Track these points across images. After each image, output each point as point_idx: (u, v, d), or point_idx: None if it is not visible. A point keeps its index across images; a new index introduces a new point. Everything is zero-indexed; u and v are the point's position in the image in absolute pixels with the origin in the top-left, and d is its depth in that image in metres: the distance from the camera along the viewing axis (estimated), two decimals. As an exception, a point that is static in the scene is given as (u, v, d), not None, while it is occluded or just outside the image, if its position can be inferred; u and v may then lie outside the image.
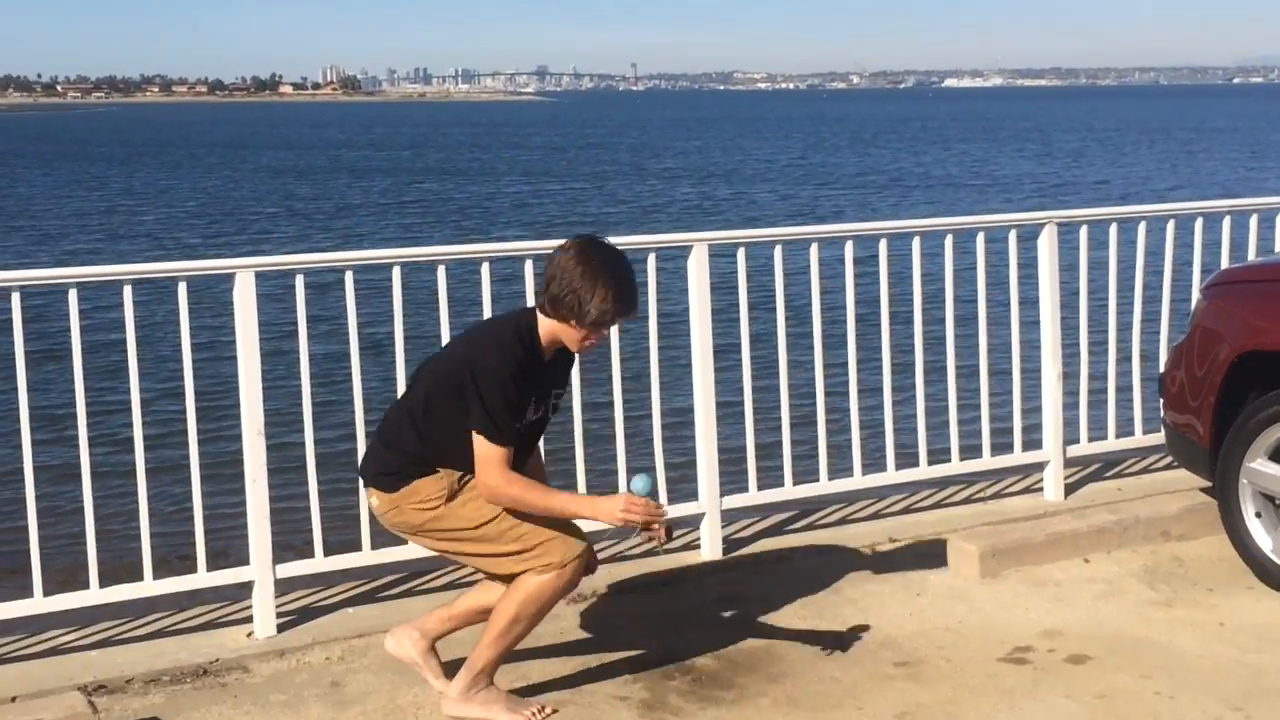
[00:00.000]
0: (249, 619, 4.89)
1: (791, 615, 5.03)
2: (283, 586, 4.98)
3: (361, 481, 4.29)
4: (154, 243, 27.48)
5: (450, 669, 4.25)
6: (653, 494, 4.01)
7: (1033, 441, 6.33)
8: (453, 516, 4.03)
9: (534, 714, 4.15)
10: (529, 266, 5.31)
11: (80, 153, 70.57)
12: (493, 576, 4.17)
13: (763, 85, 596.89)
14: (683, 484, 5.83)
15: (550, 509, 3.94)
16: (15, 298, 4.64)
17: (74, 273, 4.94)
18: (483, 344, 3.99)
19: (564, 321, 3.98)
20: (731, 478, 5.86)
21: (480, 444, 3.92)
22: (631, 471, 4.72)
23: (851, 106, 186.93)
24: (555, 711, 4.21)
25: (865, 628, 4.89)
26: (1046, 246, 6.25)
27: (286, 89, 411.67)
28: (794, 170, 49.51)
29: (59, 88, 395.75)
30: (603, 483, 5.63)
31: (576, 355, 4.28)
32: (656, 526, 3.96)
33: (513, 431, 3.96)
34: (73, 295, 4.73)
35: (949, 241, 6.13)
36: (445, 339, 5.09)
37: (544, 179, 46.66)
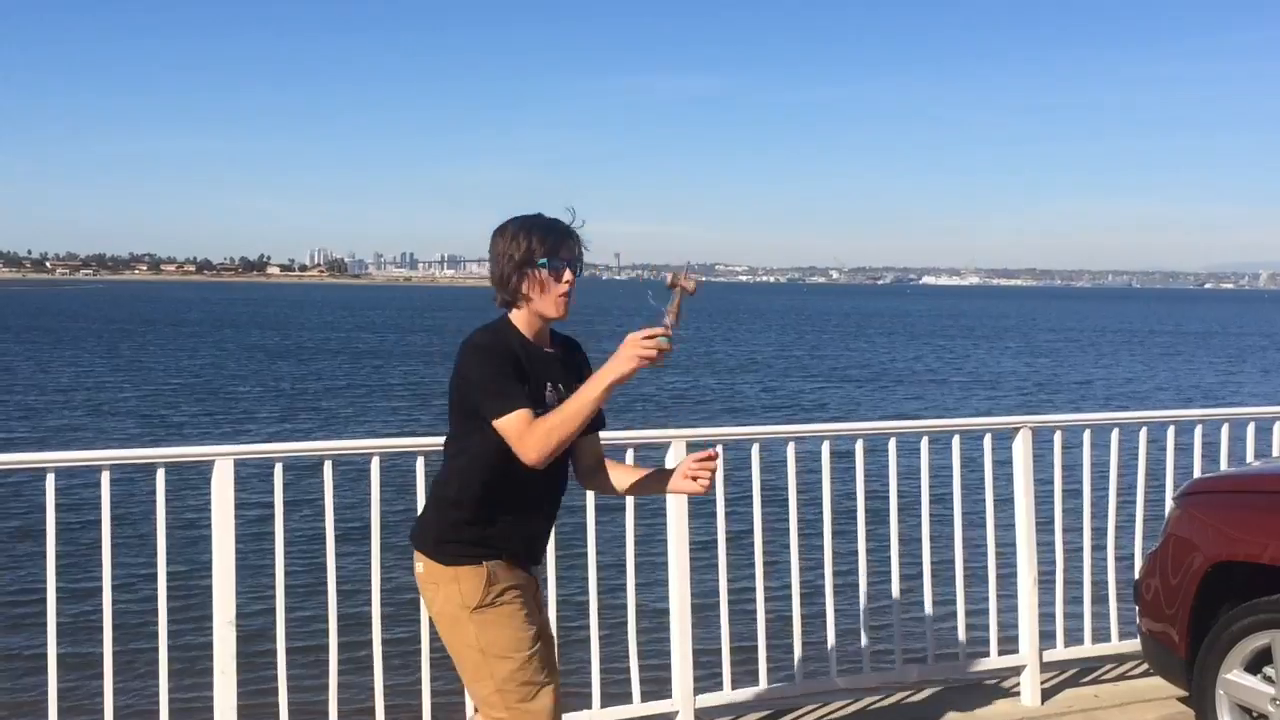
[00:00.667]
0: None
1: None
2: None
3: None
4: (139, 420, 27.44)
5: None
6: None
7: (1009, 643, 6.31)
8: (470, 630, 3.85)
9: None
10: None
11: (65, 328, 70.96)
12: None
13: (744, 277, 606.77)
14: (656, 681, 5.78)
15: (584, 404, 3.59)
16: None
17: (53, 457, 4.94)
18: (461, 353, 3.79)
19: (523, 296, 3.81)
20: (706, 674, 5.81)
21: (502, 425, 3.64)
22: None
23: (832, 301, 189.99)
24: None
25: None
26: (1021, 451, 6.33)
27: (274, 270, 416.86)
28: (779, 361, 50.00)
29: (48, 264, 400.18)
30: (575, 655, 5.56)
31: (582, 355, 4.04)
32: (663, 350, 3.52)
33: (519, 391, 3.67)
34: (50, 479, 4.75)
35: (924, 444, 6.20)
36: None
37: None
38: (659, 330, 3.46)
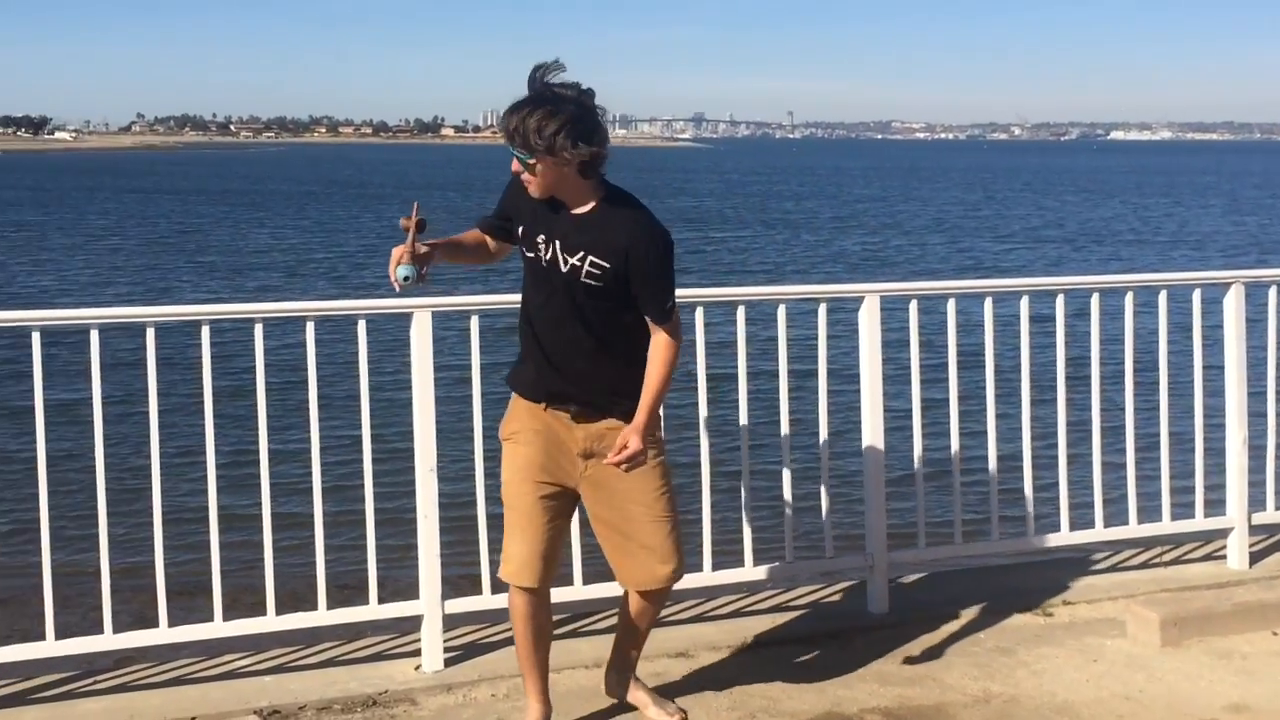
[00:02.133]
0: (417, 652, 4.94)
1: (961, 675, 4.91)
2: (450, 622, 5.02)
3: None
4: (333, 280, 28.19)
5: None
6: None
7: (1216, 507, 6.11)
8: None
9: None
10: (699, 314, 5.35)
11: (256, 191, 72.95)
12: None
13: (921, 135, 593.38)
14: (845, 539, 5.76)
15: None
16: (205, 331, 4.81)
17: (260, 308, 5.05)
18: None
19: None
20: (900, 533, 5.77)
21: None
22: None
23: (1016, 158, 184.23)
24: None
25: (1040, 692, 4.75)
26: (1233, 307, 6.06)
27: (448, 131, 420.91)
28: (967, 221, 48.65)
29: (232, 127, 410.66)
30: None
31: (630, 229, 3.90)
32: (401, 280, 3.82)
33: (495, 218, 4.13)
34: (258, 330, 4.87)
35: (1129, 300, 5.96)
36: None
37: (715, 225, 46.53)
38: (395, 257, 3.77)
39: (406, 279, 3.75)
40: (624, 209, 3.93)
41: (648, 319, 3.97)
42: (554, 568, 4.17)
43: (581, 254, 3.88)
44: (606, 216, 3.90)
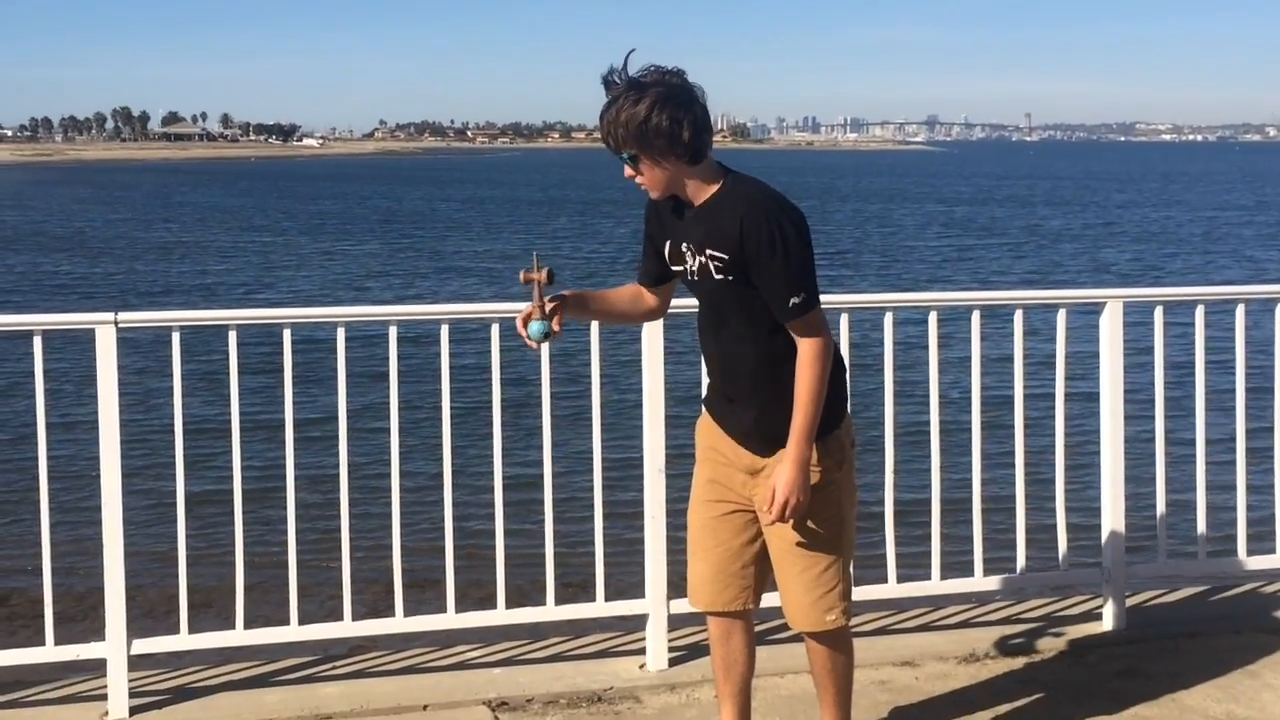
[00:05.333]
0: (642, 651, 4.99)
1: (1202, 696, 4.70)
2: (675, 622, 5.04)
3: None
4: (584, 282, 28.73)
5: None
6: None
7: None
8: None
9: None
10: (932, 318, 5.25)
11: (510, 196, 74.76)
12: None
13: (1167, 137, 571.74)
14: (1083, 549, 5.58)
15: None
16: (445, 330, 4.96)
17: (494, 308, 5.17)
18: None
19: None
20: (1137, 545, 5.56)
21: None
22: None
23: (1271, 161, 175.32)
24: None
25: (1288, 718, 4.51)
26: None
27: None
28: (1246, 230, 45.53)
29: (469, 133, 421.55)
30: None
31: (741, 209, 3.45)
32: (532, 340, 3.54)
33: (645, 263, 3.81)
34: (494, 330, 4.98)
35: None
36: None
37: (975, 233, 45.44)
38: (524, 314, 3.50)
39: (545, 336, 3.50)
40: (739, 190, 3.50)
41: (780, 318, 3.51)
42: (740, 590, 3.80)
43: (706, 249, 3.52)
44: (721, 202, 3.49)
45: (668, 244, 3.66)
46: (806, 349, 3.49)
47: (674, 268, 3.68)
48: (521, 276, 3.53)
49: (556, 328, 3.53)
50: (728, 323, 3.59)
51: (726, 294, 3.53)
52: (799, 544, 3.65)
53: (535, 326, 3.48)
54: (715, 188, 3.51)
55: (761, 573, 3.82)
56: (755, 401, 3.62)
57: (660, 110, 3.37)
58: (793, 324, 3.48)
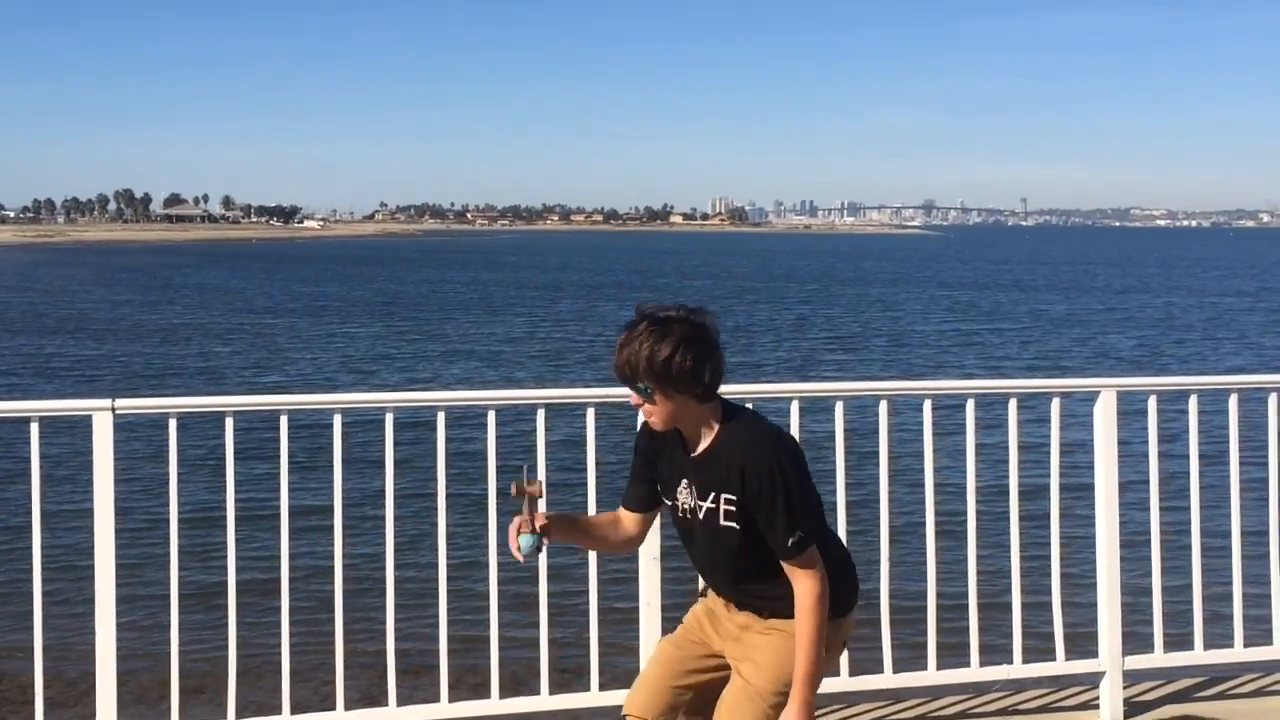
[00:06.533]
0: None
1: (1201, 791, 4.66)
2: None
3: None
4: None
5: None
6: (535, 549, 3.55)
7: None
8: None
9: None
10: (926, 406, 5.27)
11: (508, 279, 75.10)
12: None
13: (1162, 222, 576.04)
14: (1081, 640, 5.55)
15: None
16: (491, 416, 4.98)
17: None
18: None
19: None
20: (1134, 636, 5.54)
21: None
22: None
23: (1268, 247, 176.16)
24: None
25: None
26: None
27: (677, 219, 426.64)
28: (1254, 316, 45.48)
29: (469, 215, 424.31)
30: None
31: (743, 448, 3.48)
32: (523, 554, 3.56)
33: (632, 487, 3.81)
34: (490, 417, 5.00)
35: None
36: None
37: (979, 319, 45.40)
38: (515, 525, 3.51)
39: (536, 550, 3.51)
40: (739, 433, 3.52)
41: (778, 557, 3.50)
42: (671, 706, 3.76)
43: (713, 495, 3.53)
44: (723, 446, 3.52)
45: (664, 477, 3.68)
46: (806, 594, 3.48)
47: (666, 501, 3.71)
48: (513, 489, 3.53)
49: (545, 542, 3.56)
50: (735, 561, 3.59)
51: (729, 536, 3.53)
52: (739, 701, 3.60)
53: (526, 540, 3.50)
54: (716, 428, 3.54)
55: (697, 708, 3.77)
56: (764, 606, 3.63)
57: (685, 351, 3.43)
58: (791, 561, 3.47)
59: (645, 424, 3.67)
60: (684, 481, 3.61)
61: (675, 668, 3.79)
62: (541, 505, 3.67)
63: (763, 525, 3.46)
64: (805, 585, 3.47)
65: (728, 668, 3.72)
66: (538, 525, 3.52)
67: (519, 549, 3.51)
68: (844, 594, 3.63)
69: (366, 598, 6.54)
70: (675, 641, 3.86)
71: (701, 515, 3.56)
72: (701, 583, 3.91)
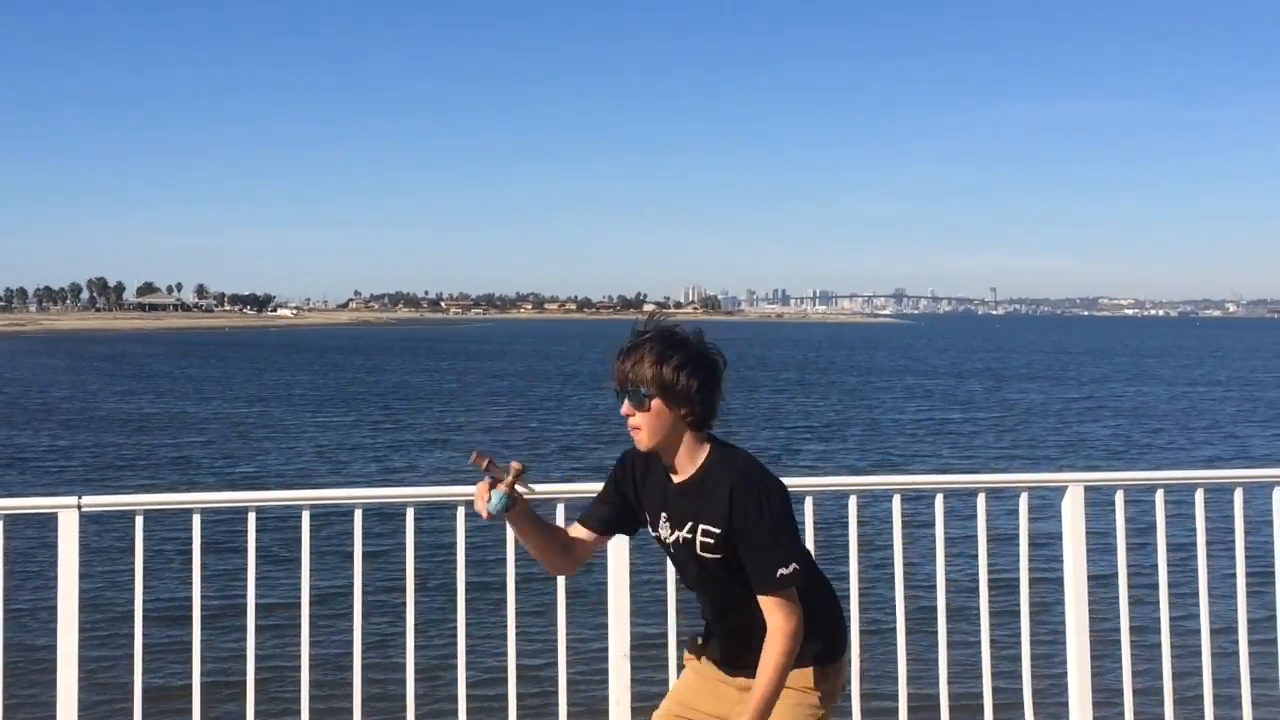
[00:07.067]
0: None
1: None
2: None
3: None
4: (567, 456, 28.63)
5: None
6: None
7: None
8: None
9: None
10: (895, 501, 5.28)
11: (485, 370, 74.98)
12: None
13: (1130, 311, 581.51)
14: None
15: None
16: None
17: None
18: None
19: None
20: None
21: None
22: None
23: (1237, 336, 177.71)
24: None
25: None
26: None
27: (650, 307, 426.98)
28: (1226, 406, 45.41)
29: (443, 304, 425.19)
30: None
31: (730, 482, 3.46)
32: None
33: (596, 506, 3.78)
34: (459, 513, 4.99)
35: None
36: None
37: (953, 407, 45.25)
38: (485, 484, 3.47)
39: (503, 509, 3.47)
40: (727, 463, 3.50)
41: (755, 589, 3.47)
42: None
43: (690, 524, 3.52)
44: (708, 475, 3.50)
45: (646, 506, 3.66)
46: (780, 626, 3.44)
47: (651, 531, 3.69)
48: (474, 458, 3.50)
49: (518, 501, 3.51)
50: (720, 586, 3.58)
51: (711, 566, 3.53)
52: None
53: (498, 496, 3.45)
54: (702, 458, 3.52)
55: None
56: (749, 638, 3.56)
57: (690, 368, 3.45)
58: (773, 595, 3.44)
59: (627, 451, 3.67)
60: (663, 514, 3.60)
61: (685, 709, 3.76)
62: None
63: (746, 556, 3.43)
64: (779, 619, 3.43)
65: None
66: (510, 489, 3.47)
67: (487, 504, 3.45)
68: (838, 638, 3.65)
69: (334, 692, 6.47)
70: (679, 704, 3.79)
71: (682, 543, 3.55)
72: (687, 640, 3.87)
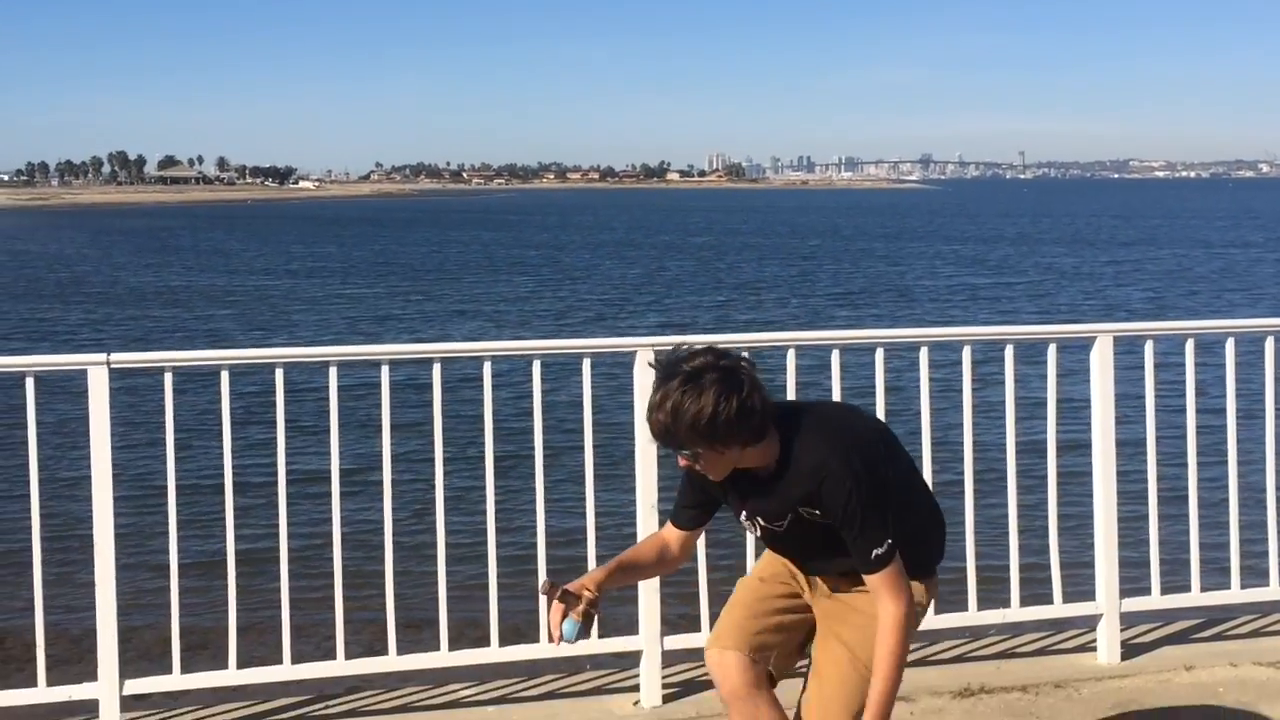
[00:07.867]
0: (636, 688, 4.98)
1: (1198, 731, 4.69)
2: (670, 658, 5.04)
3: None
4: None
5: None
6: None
7: None
8: None
9: None
10: (923, 353, 5.28)
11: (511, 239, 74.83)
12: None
13: (1161, 174, 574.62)
14: (1078, 583, 5.57)
15: None
16: (487, 366, 5.01)
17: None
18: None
19: None
20: (1132, 579, 5.57)
21: None
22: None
23: (1270, 198, 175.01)
24: None
25: (1284, 752, 4.50)
26: None
27: (673, 176, 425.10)
28: (1263, 267, 44.79)
29: (464, 174, 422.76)
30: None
31: (813, 470, 3.35)
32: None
33: (681, 511, 3.67)
34: (486, 367, 5.01)
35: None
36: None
37: (986, 272, 44.95)
38: (560, 613, 3.36)
39: (578, 636, 3.37)
40: (802, 452, 3.36)
41: (860, 571, 3.40)
42: (762, 647, 3.63)
43: (791, 513, 3.43)
44: (790, 468, 3.38)
45: (731, 505, 3.57)
46: (888, 615, 3.36)
47: (743, 521, 3.59)
48: (545, 586, 3.42)
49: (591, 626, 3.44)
50: (815, 548, 3.52)
51: (815, 529, 3.42)
52: (848, 680, 3.50)
53: (570, 625, 3.36)
54: (776, 450, 3.38)
55: (788, 651, 3.73)
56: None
57: (726, 402, 3.23)
58: (874, 576, 3.36)
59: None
60: (745, 511, 3.52)
61: (763, 606, 3.69)
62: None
63: (845, 536, 3.36)
64: (888, 605, 3.36)
65: (812, 617, 3.67)
66: (581, 613, 3.38)
67: (560, 634, 3.36)
68: (931, 552, 3.61)
69: (363, 551, 6.56)
70: (761, 579, 3.75)
71: (784, 528, 3.47)
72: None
